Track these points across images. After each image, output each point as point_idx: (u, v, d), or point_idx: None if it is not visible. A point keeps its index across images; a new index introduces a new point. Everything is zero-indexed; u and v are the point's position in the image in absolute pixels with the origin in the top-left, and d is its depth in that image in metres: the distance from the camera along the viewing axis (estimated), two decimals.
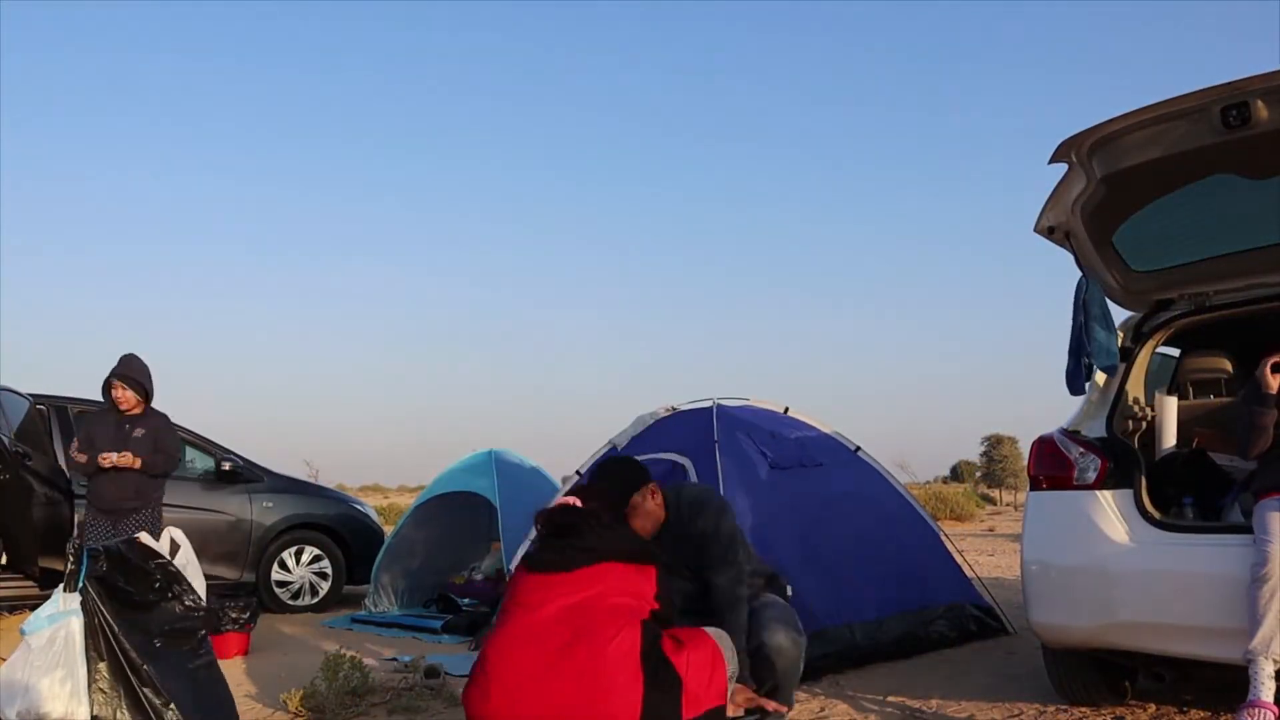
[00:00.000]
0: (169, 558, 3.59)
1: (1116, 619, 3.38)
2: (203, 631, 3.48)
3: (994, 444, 52.61)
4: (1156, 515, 3.45)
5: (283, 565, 7.47)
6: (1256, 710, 3.02)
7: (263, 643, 5.83)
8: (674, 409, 5.94)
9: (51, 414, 6.71)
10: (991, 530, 17.62)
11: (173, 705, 3.20)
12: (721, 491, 4.69)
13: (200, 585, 3.64)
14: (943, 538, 5.94)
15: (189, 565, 3.78)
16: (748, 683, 2.89)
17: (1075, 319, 3.89)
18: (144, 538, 3.50)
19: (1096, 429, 3.78)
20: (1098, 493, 3.54)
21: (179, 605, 3.42)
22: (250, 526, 7.32)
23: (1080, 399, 3.98)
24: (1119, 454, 3.61)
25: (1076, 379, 3.90)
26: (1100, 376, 3.95)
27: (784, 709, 3.12)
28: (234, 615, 5.43)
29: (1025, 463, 4.09)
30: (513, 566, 6.14)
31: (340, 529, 7.81)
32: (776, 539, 4.79)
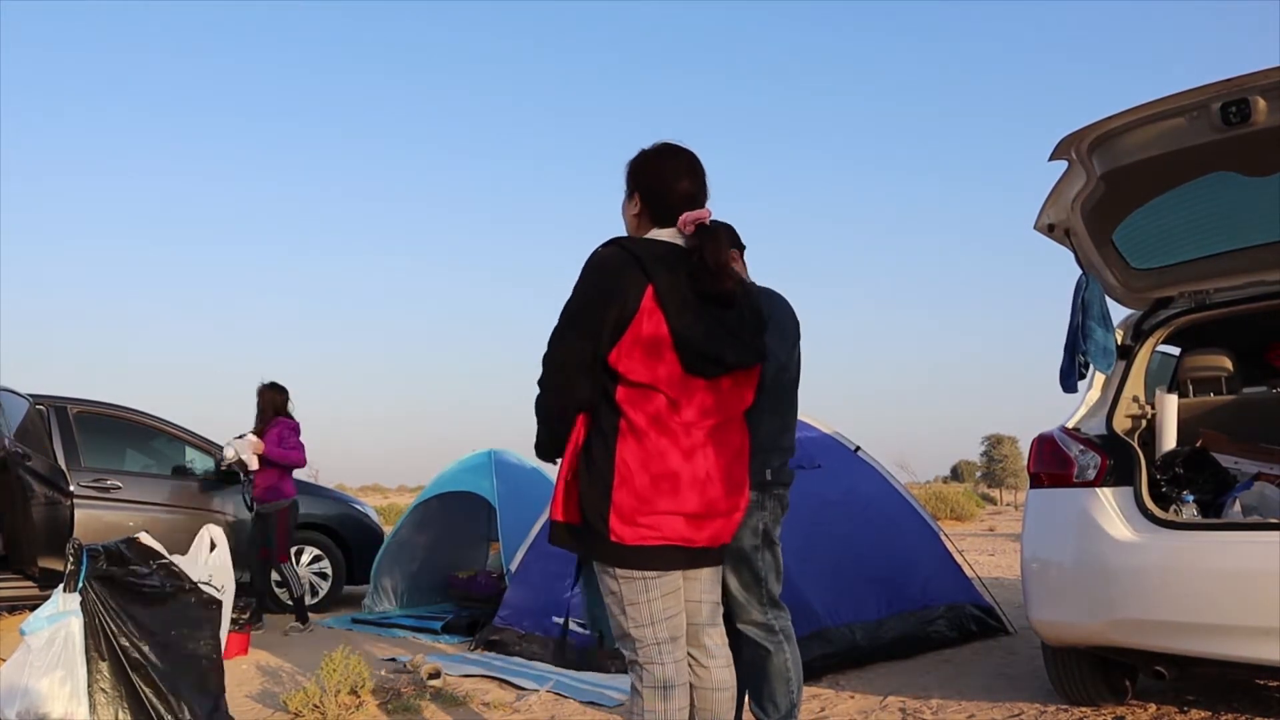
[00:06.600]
0: (189, 556, 3.60)
1: (1117, 617, 3.37)
2: (210, 631, 3.48)
3: (994, 444, 52.63)
4: (1157, 513, 3.44)
5: None
6: None
7: (263, 643, 5.83)
8: None
9: (51, 414, 6.70)
10: (992, 530, 17.61)
11: (174, 705, 3.20)
12: None
13: (231, 585, 3.63)
14: (943, 538, 5.93)
15: (224, 564, 3.79)
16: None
17: (1073, 317, 3.88)
18: (143, 537, 3.50)
19: (1097, 427, 3.77)
20: (1098, 490, 3.53)
21: (180, 604, 3.41)
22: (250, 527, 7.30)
23: (1080, 397, 3.98)
24: (1119, 452, 3.60)
25: (1070, 377, 3.89)
26: (1099, 375, 3.95)
27: None
28: (234, 615, 5.42)
29: (1025, 462, 4.08)
30: (513, 567, 6.13)
31: (340, 529, 7.80)
32: None
